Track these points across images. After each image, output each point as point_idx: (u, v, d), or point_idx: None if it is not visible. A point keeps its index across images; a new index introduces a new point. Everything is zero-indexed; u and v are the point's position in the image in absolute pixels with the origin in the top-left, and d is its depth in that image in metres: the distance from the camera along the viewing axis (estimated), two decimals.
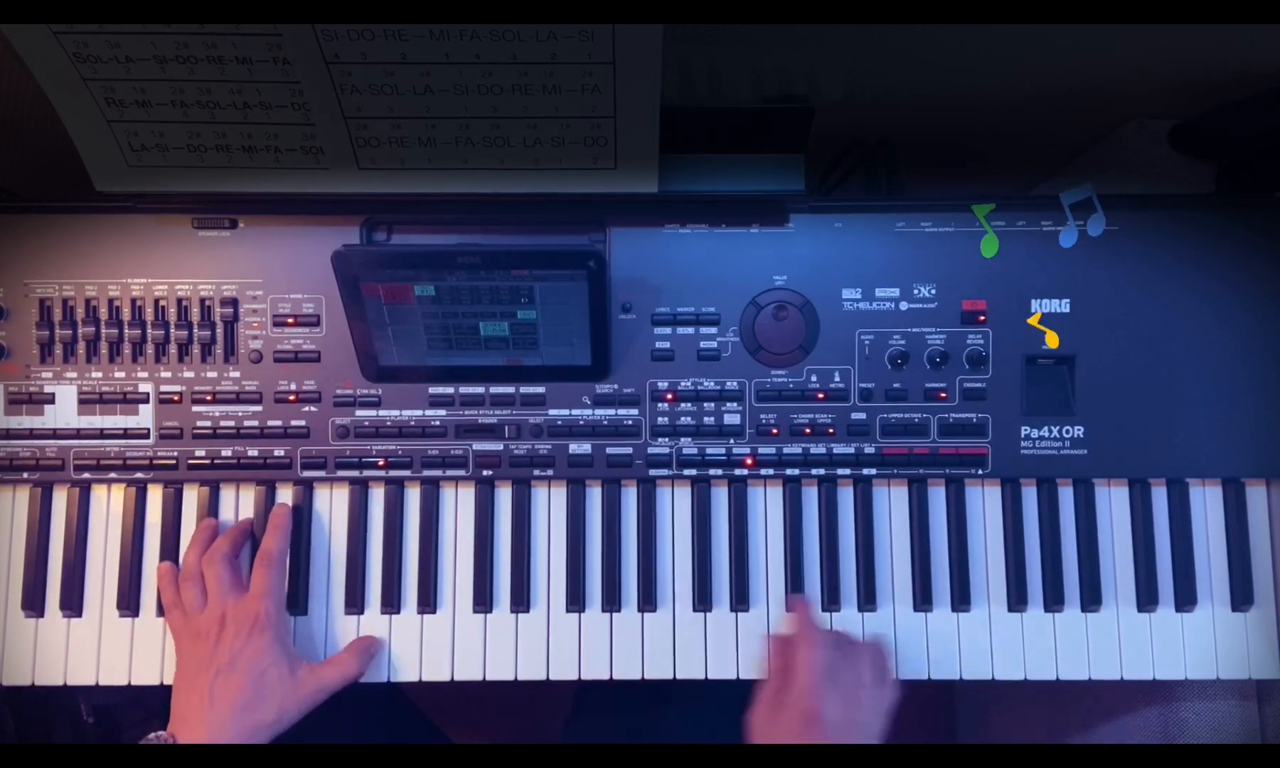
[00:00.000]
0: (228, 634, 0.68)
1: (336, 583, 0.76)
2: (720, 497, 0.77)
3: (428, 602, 0.75)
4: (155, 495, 0.76)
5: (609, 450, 0.75)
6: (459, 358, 0.72)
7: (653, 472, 0.75)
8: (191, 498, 0.76)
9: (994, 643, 0.75)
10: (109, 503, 0.76)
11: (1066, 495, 0.77)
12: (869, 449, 0.75)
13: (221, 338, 0.74)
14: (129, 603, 0.75)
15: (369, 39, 0.56)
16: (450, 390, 0.75)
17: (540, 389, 0.75)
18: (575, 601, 0.75)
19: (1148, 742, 0.85)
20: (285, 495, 0.76)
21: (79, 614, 0.75)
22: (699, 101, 0.71)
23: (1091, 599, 0.75)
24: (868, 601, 0.75)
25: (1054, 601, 0.75)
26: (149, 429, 0.74)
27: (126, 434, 0.74)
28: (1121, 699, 0.88)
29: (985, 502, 0.77)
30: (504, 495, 0.77)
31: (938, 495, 0.77)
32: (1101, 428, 0.75)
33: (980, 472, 0.75)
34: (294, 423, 0.74)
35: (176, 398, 0.74)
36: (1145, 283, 0.74)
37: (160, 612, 0.74)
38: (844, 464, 0.75)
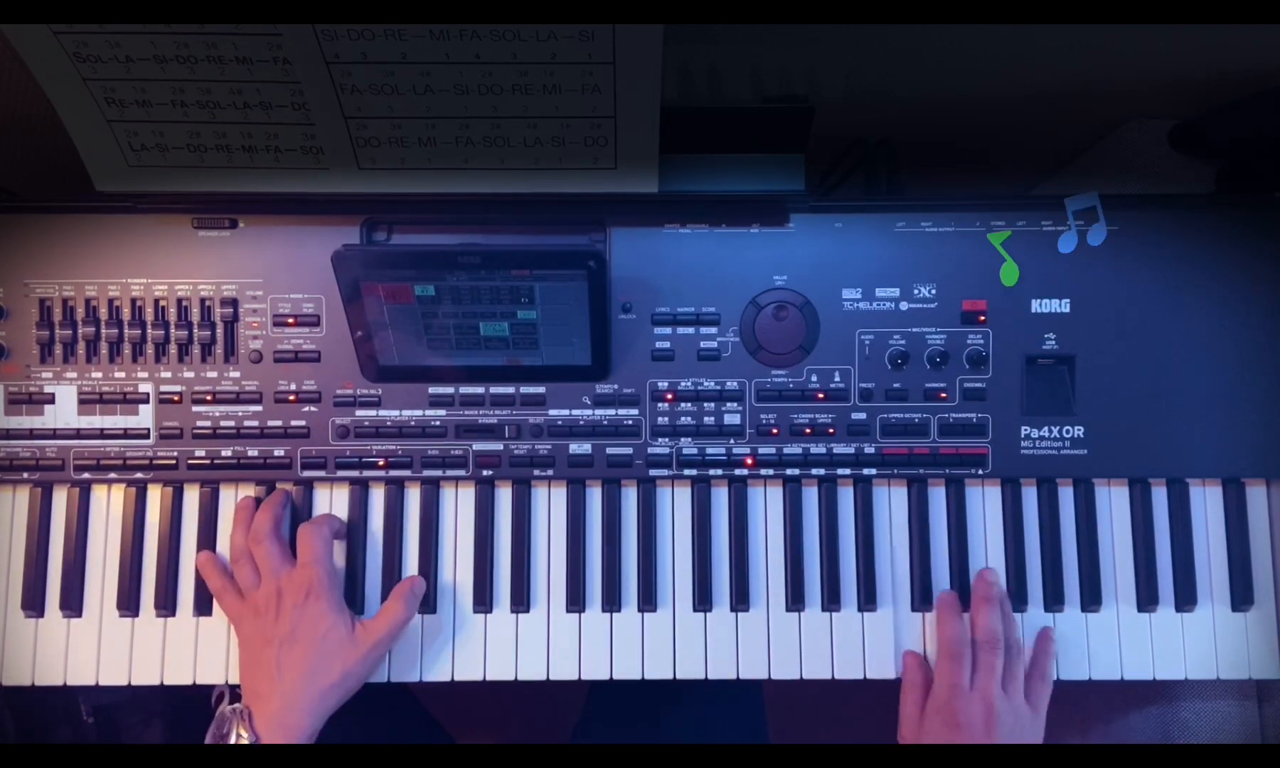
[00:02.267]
0: (286, 605, 0.69)
1: None
2: (720, 497, 0.77)
3: (427, 602, 0.75)
4: (155, 495, 0.76)
5: (609, 450, 0.75)
6: (459, 358, 0.72)
7: (653, 472, 0.75)
8: (192, 498, 0.76)
9: None
10: (109, 503, 0.76)
11: (1066, 495, 0.77)
12: (869, 449, 0.75)
13: (221, 338, 0.74)
14: (129, 603, 0.75)
15: (369, 39, 0.56)
16: (450, 390, 0.75)
17: (540, 389, 0.75)
18: (575, 601, 0.75)
19: (1148, 742, 0.85)
20: None
21: (79, 614, 0.75)
22: (699, 101, 0.71)
23: (1091, 599, 0.75)
24: (868, 601, 0.75)
25: (1054, 600, 0.75)
26: (149, 429, 0.74)
27: (126, 434, 0.74)
28: (1121, 699, 0.89)
29: (985, 502, 0.77)
30: (504, 495, 0.77)
31: (938, 495, 0.77)
32: (1101, 428, 0.75)
33: (980, 472, 0.75)
34: (294, 423, 0.74)
35: (176, 398, 0.74)
36: (1145, 283, 0.74)
37: (160, 611, 0.75)
38: (844, 464, 0.75)
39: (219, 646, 0.75)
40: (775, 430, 0.75)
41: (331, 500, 0.76)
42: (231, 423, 0.74)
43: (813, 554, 0.76)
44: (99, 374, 0.74)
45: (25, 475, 0.74)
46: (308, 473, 0.75)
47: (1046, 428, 0.75)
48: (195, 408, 0.74)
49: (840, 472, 0.76)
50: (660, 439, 0.75)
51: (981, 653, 0.71)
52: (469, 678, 0.75)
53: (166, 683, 0.74)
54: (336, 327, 0.74)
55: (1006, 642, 0.72)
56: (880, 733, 0.77)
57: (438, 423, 0.75)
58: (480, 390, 0.75)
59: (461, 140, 0.64)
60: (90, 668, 0.75)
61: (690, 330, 0.75)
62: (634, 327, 0.75)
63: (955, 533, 0.76)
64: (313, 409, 0.75)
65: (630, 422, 0.75)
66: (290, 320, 0.74)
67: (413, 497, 0.77)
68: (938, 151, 0.89)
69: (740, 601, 0.75)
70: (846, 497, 0.77)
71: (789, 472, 0.75)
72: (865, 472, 0.76)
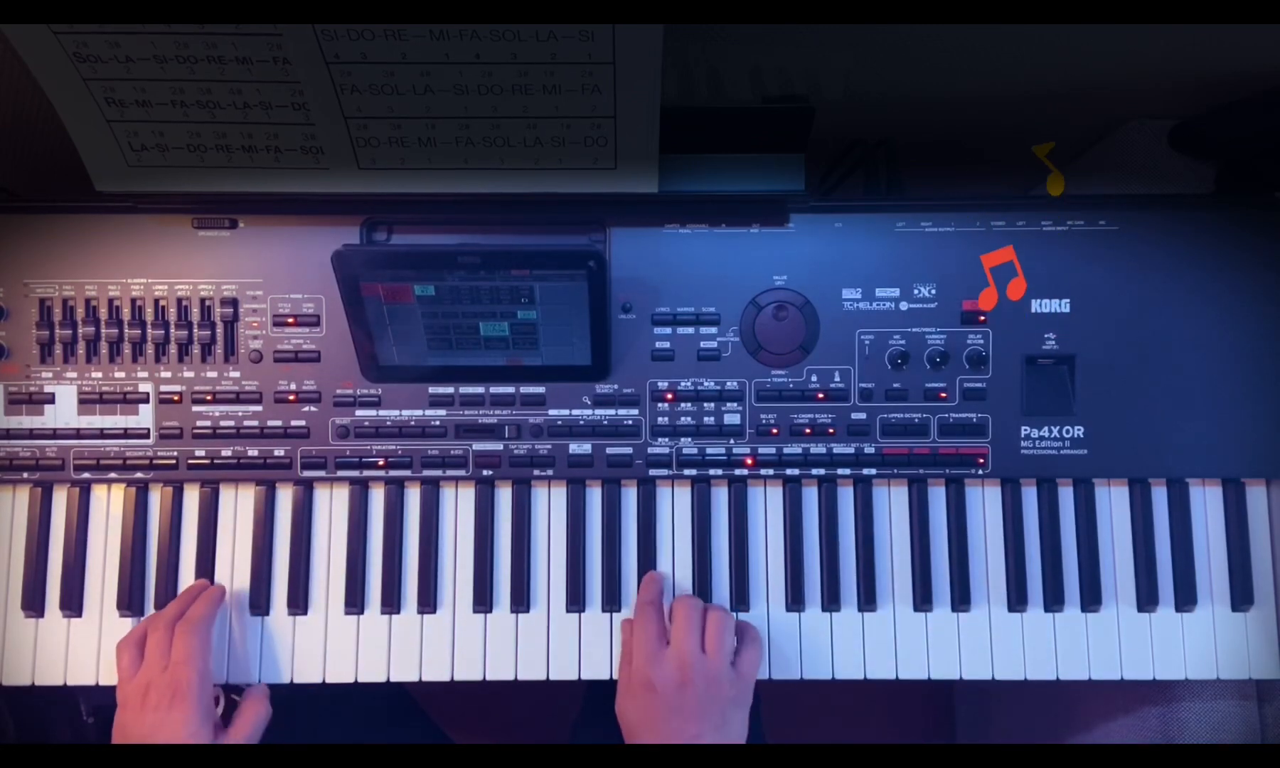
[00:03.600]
0: (150, 705, 0.66)
1: (336, 583, 0.76)
2: (720, 497, 0.77)
3: (428, 602, 0.75)
4: (155, 495, 0.76)
5: (609, 450, 0.75)
6: (459, 358, 0.72)
7: (653, 472, 0.75)
8: (192, 498, 0.76)
9: (994, 643, 0.75)
10: (109, 503, 0.76)
11: (1066, 495, 0.77)
12: (869, 449, 0.75)
13: (221, 338, 0.74)
14: (129, 603, 0.75)
15: (369, 39, 0.56)
16: (450, 390, 0.75)
17: (540, 389, 0.75)
18: (575, 601, 0.75)
19: (1148, 742, 0.85)
20: (285, 495, 0.76)
21: (79, 614, 0.75)
22: (699, 101, 0.71)
23: (1091, 599, 0.75)
24: (868, 601, 0.75)
25: (1054, 600, 0.75)
26: (149, 429, 0.75)
27: (126, 434, 0.74)
28: (1121, 699, 0.89)
29: (985, 502, 0.77)
30: (504, 495, 0.77)
31: (938, 495, 0.77)
32: (1101, 428, 0.75)
33: (980, 472, 0.75)
34: (294, 423, 0.74)
35: (176, 398, 0.74)
36: (1145, 283, 0.74)
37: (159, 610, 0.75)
38: (844, 464, 0.75)
39: (218, 646, 0.75)
40: (775, 430, 0.75)
41: (331, 500, 0.76)
42: (231, 423, 0.74)
43: (812, 554, 0.76)
44: (99, 374, 0.74)
45: (25, 475, 0.74)
46: (308, 473, 0.75)
47: (1046, 428, 0.75)
48: (195, 408, 0.74)
49: (840, 472, 0.76)
50: (660, 439, 0.75)
51: (677, 615, 0.68)
52: (468, 678, 0.75)
53: None
54: (336, 327, 0.74)
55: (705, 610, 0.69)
56: (880, 732, 0.77)
57: (438, 423, 0.75)
58: (480, 390, 0.75)
59: (461, 140, 0.64)
60: (90, 668, 0.75)
61: (690, 330, 0.75)
62: (634, 327, 0.75)
63: (955, 533, 0.76)
64: (313, 409, 0.75)
65: (630, 422, 0.75)
66: (290, 320, 0.74)
67: (413, 497, 0.77)
68: (938, 151, 0.89)
69: (740, 601, 0.75)
70: (846, 497, 0.77)
71: (789, 472, 0.76)
72: (865, 472, 0.76)
